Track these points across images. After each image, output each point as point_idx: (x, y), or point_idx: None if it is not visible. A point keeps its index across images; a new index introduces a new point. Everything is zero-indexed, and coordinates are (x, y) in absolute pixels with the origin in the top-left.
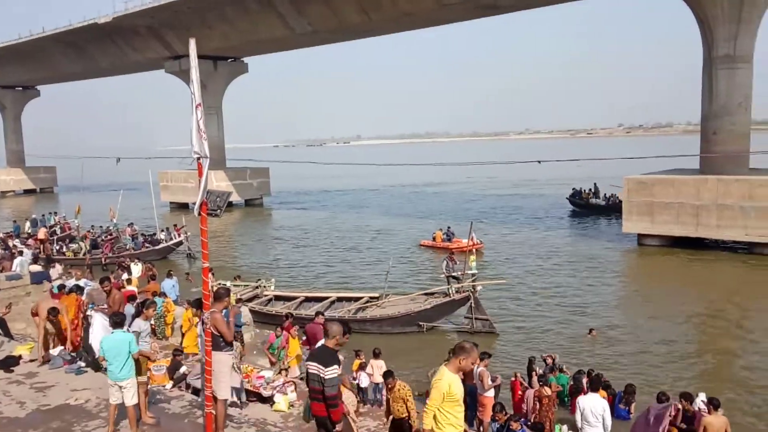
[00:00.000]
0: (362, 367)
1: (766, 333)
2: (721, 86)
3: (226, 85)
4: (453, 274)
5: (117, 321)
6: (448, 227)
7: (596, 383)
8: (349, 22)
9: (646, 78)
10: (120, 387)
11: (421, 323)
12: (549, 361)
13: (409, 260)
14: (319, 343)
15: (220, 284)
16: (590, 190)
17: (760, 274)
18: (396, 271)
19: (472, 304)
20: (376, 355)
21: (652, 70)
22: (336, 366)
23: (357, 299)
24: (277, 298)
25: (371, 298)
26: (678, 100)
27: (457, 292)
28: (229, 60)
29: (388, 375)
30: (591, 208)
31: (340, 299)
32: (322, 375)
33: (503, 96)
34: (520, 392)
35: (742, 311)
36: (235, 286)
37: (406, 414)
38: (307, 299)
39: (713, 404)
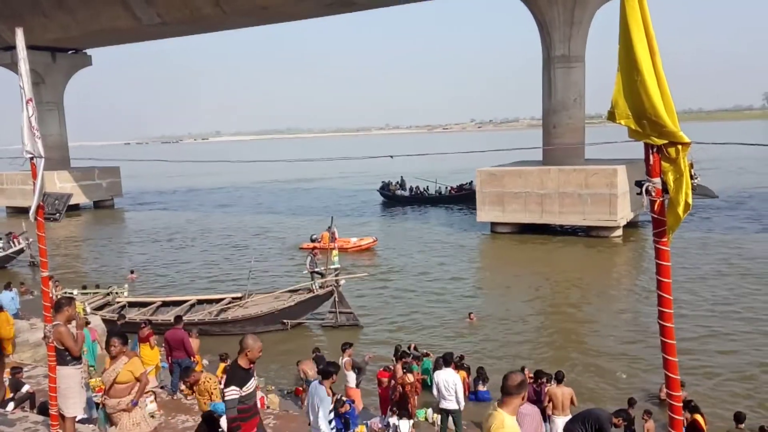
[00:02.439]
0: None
1: (603, 307)
2: (559, 84)
3: (67, 79)
4: (317, 269)
5: None
6: (329, 225)
7: (448, 359)
8: (201, 13)
9: (495, 76)
10: None
11: (285, 321)
12: (411, 348)
13: (280, 258)
14: None
15: (65, 293)
16: (398, 183)
17: (597, 254)
18: (265, 269)
19: (336, 299)
20: None
21: (499, 69)
22: (234, 387)
23: (219, 301)
24: (131, 304)
25: (234, 298)
26: (523, 97)
27: (321, 287)
28: (70, 52)
29: (185, 373)
30: (397, 199)
31: (200, 302)
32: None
33: (365, 92)
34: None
35: (583, 288)
36: (83, 294)
37: None
38: (165, 304)
39: (557, 377)
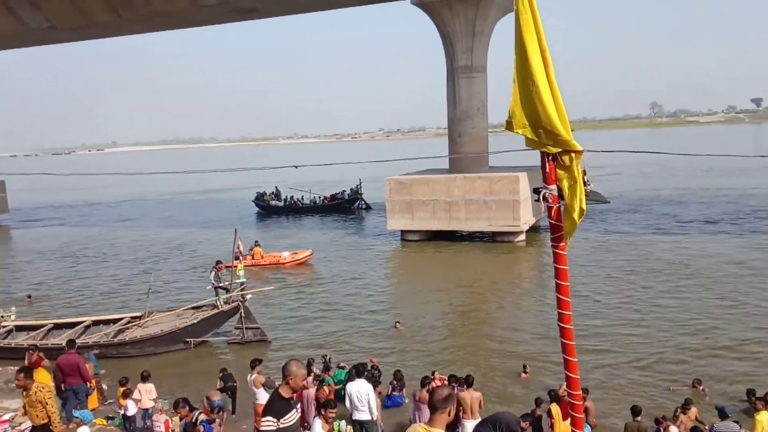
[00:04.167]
0: (126, 394)
1: (510, 309)
2: (463, 94)
3: None
4: (221, 284)
5: None
6: (256, 241)
7: (360, 370)
8: (96, 19)
9: (403, 86)
10: None
11: (188, 339)
12: (324, 360)
13: (183, 274)
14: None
15: None
16: (272, 192)
17: (503, 258)
18: (167, 286)
19: (242, 314)
20: (145, 378)
21: (407, 79)
22: (269, 418)
23: (116, 321)
24: (19, 328)
25: (133, 318)
26: (429, 107)
27: (225, 302)
28: None
29: (26, 371)
30: (271, 209)
31: (96, 323)
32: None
33: (271, 101)
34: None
35: (491, 292)
36: None
37: (47, 419)
38: (57, 326)
39: (467, 381)
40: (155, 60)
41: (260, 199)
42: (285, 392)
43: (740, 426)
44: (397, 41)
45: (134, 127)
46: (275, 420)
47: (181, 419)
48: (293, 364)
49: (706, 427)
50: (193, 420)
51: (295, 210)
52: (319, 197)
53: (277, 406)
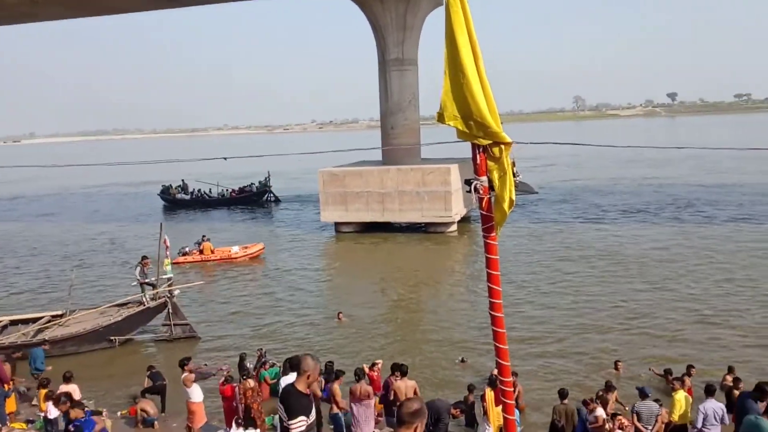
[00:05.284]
0: (49, 396)
1: (443, 298)
2: (394, 86)
3: None
4: (147, 280)
5: None
6: (203, 236)
7: (294, 363)
8: (6, 3)
9: (335, 78)
10: None
11: (112, 338)
12: (258, 354)
13: (109, 269)
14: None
15: None
16: (179, 186)
17: (435, 248)
18: (91, 282)
19: (170, 310)
20: (67, 380)
21: (339, 71)
22: (302, 418)
23: (36, 320)
24: None
25: (54, 316)
26: (362, 99)
27: (152, 299)
28: None
29: None
30: (177, 203)
31: (14, 322)
32: (285, 424)
33: (200, 91)
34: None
35: (425, 282)
36: None
37: None
38: None
39: (401, 370)
40: (73, 49)
41: (166, 193)
42: (302, 387)
43: (660, 405)
44: (330, 32)
45: (54, 117)
46: (305, 417)
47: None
48: (310, 359)
49: (628, 408)
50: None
51: (202, 203)
52: (227, 190)
53: (303, 403)
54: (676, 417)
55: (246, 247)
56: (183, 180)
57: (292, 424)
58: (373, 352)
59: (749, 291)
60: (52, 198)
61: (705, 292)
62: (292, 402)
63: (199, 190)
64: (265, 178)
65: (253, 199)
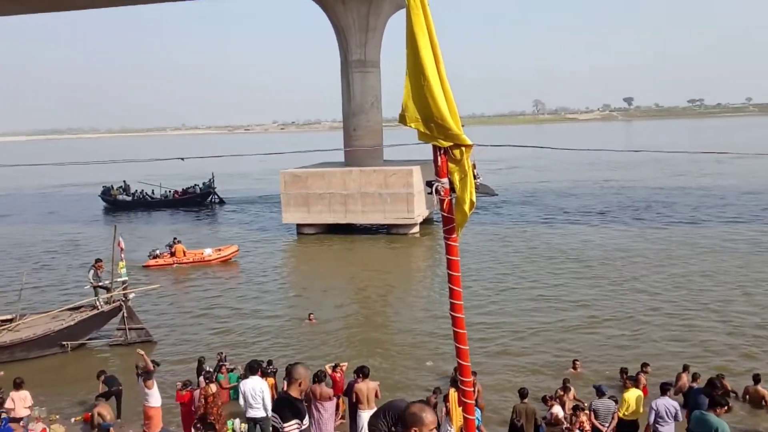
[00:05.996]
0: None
1: (407, 300)
2: (357, 88)
3: None
4: (101, 284)
5: None
6: (174, 238)
7: (254, 367)
8: None
9: (297, 78)
10: None
11: (64, 343)
12: (219, 358)
13: (61, 273)
14: None
15: None
16: (120, 187)
17: (398, 250)
18: (43, 286)
19: (125, 314)
20: (18, 386)
21: (300, 71)
22: (296, 421)
23: None
24: None
25: (3, 321)
26: (324, 100)
27: (106, 302)
28: None
29: None
30: (118, 204)
31: None
32: (280, 428)
33: (159, 90)
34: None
35: (389, 283)
36: None
37: None
38: None
39: (363, 372)
40: (25, 44)
41: (106, 194)
42: (296, 394)
43: (616, 402)
44: (292, 32)
45: (1, 116)
46: (299, 421)
47: None
48: (301, 368)
49: (585, 405)
50: None
51: (144, 204)
52: (170, 191)
53: (297, 407)
54: (622, 413)
55: (219, 250)
56: (125, 181)
57: (285, 427)
58: (337, 354)
59: (707, 290)
60: (2, 198)
61: (665, 292)
62: (287, 407)
63: (141, 191)
64: (210, 180)
65: (197, 201)
